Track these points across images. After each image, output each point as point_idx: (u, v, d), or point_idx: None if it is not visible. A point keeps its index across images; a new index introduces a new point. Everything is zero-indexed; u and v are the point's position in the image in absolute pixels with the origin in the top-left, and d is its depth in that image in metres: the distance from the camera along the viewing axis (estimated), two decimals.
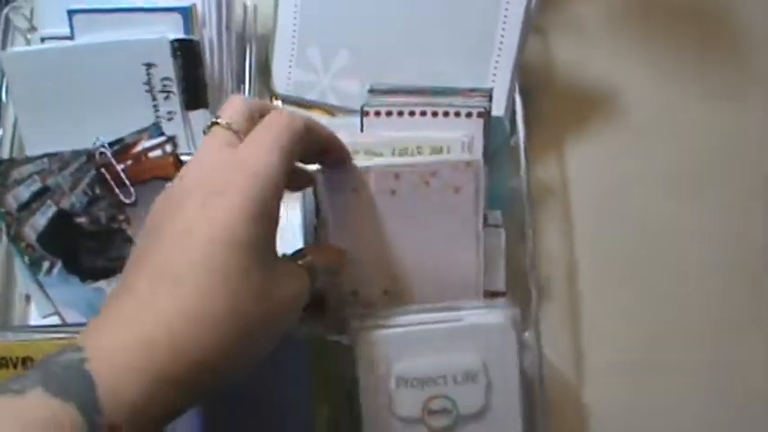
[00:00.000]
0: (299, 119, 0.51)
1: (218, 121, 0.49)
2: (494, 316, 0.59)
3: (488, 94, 0.64)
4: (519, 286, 0.66)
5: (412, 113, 0.62)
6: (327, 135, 0.54)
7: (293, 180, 0.55)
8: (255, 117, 0.51)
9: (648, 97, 0.78)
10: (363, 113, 0.62)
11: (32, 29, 0.76)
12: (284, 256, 0.54)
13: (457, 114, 0.61)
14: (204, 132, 0.50)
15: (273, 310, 0.46)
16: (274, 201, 0.47)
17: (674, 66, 0.79)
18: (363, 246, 0.60)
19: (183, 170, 0.49)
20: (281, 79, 0.76)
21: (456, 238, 0.60)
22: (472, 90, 0.64)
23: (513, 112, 0.70)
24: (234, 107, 0.50)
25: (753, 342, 0.71)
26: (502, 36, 0.69)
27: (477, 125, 0.61)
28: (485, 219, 0.61)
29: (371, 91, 0.65)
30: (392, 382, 0.58)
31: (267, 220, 0.46)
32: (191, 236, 0.44)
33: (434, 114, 0.62)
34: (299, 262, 0.52)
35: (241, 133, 0.49)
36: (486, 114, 0.61)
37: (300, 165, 0.56)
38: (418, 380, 0.58)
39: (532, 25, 0.69)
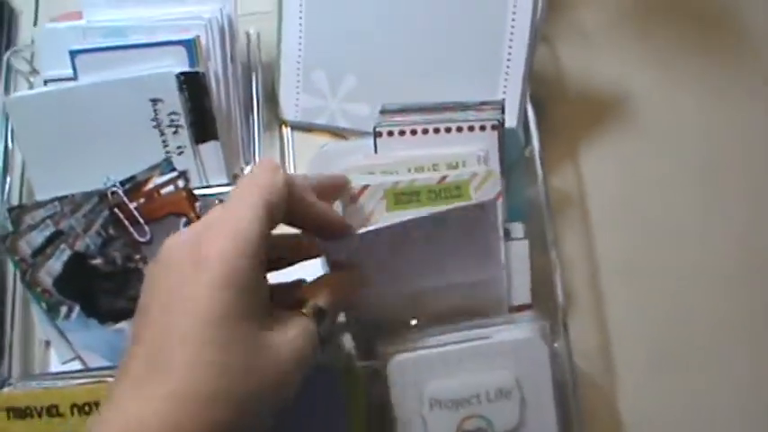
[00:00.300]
0: (280, 175, 0.48)
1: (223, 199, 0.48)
2: (522, 331, 0.58)
3: (501, 107, 0.63)
4: (543, 296, 0.64)
5: (425, 131, 0.61)
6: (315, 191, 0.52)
7: (291, 252, 0.54)
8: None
9: (658, 99, 0.77)
10: (376, 134, 0.61)
11: (34, 72, 0.76)
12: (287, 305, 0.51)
13: (471, 129, 0.61)
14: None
15: (269, 380, 0.44)
16: (255, 264, 0.45)
17: (681, 66, 0.78)
18: (380, 287, 0.58)
19: (166, 242, 0.47)
20: (289, 106, 0.76)
21: (474, 267, 0.59)
22: (484, 103, 0.64)
23: (527, 123, 0.69)
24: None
25: None
26: (510, 48, 0.68)
27: (491, 138, 0.61)
28: (507, 233, 0.60)
29: (383, 111, 0.64)
30: (425, 405, 0.57)
31: (249, 284, 0.44)
32: (173, 311, 0.43)
33: (448, 130, 0.61)
34: (303, 310, 0.49)
35: None
36: (499, 127, 0.60)
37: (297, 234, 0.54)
38: (451, 401, 0.57)
39: (540, 35, 0.69)
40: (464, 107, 0.63)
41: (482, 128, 0.60)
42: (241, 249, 0.44)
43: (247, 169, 0.72)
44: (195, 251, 0.44)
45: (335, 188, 0.57)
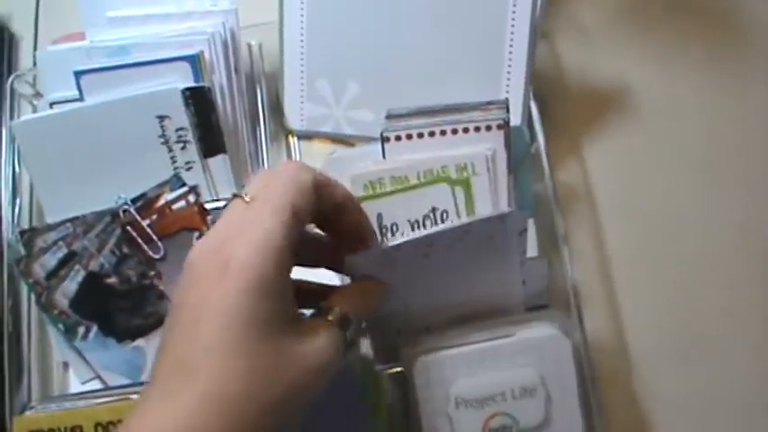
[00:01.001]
0: (309, 172, 0.48)
1: (239, 193, 0.48)
2: (544, 328, 0.58)
3: (505, 106, 0.63)
4: (555, 291, 0.65)
5: (432, 134, 0.61)
6: (342, 193, 0.52)
7: (313, 253, 0.53)
8: None
9: (658, 92, 0.78)
10: (384, 139, 0.61)
11: (38, 95, 0.76)
12: (312, 313, 0.51)
13: (477, 129, 0.61)
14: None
15: (298, 382, 0.44)
16: (282, 269, 0.45)
17: (681, 60, 0.79)
18: (399, 297, 0.58)
19: (194, 246, 0.47)
20: (294, 115, 0.76)
21: (496, 275, 0.59)
22: (489, 103, 0.64)
23: (531, 120, 0.70)
24: (258, 179, 0.48)
25: None
26: (510, 47, 0.68)
27: (497, 137, 0.61)
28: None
29: (389, 116, 0.65)
30: (451, 404, 0.57)
31: (275, 290, 0.44)
32: (198, 320, 0.43)
33: (454, 132, 0.61)
34: (329, 317, 0.49)
35: None
36: (505, 126, 0.61)
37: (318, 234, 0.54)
38: (477, 399, 0.57)
39: (540, 32, 0.69)
40: (470, 108, 0.63)
41: (488, 128, 0.61)
42: (266, 256, 0.43)
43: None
44: (219, 257, 0.44)
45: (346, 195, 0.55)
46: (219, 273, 0.43)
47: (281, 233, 0.44)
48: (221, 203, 0.70)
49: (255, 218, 0.45)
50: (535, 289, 0.62)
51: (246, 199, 0.46)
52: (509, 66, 0.69)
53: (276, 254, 0.44)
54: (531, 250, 0.63)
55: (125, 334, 0.68)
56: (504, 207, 0.60)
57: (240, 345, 0.42)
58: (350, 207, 0.52)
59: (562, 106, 0.77)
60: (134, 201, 0.67)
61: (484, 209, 0.59)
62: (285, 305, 0.46)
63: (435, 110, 0.64)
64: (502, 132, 0.61)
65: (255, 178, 0.49)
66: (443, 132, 0.61)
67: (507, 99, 0.65)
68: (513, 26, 0.68)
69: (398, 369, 0.61)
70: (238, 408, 0.41)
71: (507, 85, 0.69)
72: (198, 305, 0.43)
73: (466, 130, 0.61)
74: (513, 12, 0.68)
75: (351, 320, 0.50)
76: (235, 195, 0.48)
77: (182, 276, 0.46)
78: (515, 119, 0.68)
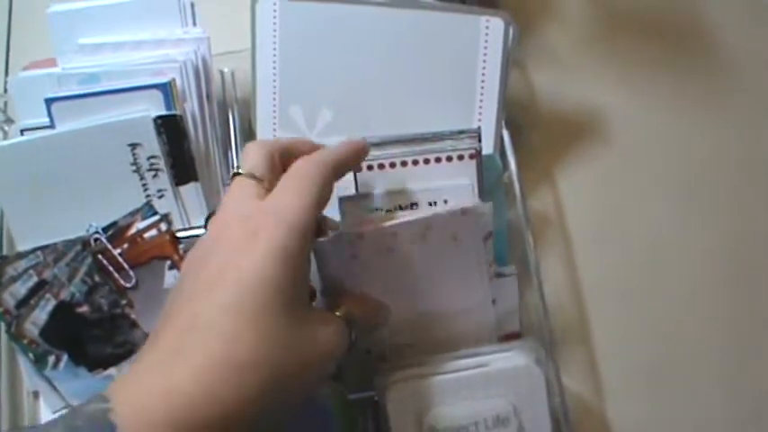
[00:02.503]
0: (327, 163, 0.50)
1: (240, 171, 0.49)
2: (519, 358, 0.58)
3: (477, 135, 0.63)
4: (528, 319, 0.66)
5: (404, 163, 0.61)
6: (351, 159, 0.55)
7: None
8: (276, 160, 0.51)
9: (630, 116, 0.78)
10: (356, 169, 0.62)
11: (9, 121, 0.75)
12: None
13: (449, 159, 0.61)
14: (226, 185, 0.50)
15: (305, 360, 0.46)
16: (304, 249, 0.47)
17: (652, 83, 0.80)
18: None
19: (211, 223, 0.48)
20: None
21: (462, 284, 0.60)
22: (461, 132, 0.64)
23: (503, 148, 0.70)
24: (253, 154, 0.50)
25: (763, 340, 0.71)
26: (483, 76, 0.69)
27: (470, 167, 0.61)
28: (499, 272, 0.61)
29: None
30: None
31: (298, 268, 0.46)
32: (221, 280, 0.44)
33: (426, 161, 0.61)
34: (337, 312, 0.52)
35: (265, 180, 0.49)
36: (477, 155, 0.61)
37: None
38: (450, 429, 0.57)
39: (512, 60, 0.70)
40: (442, 137, 0.63)
41: (460, 157, 0.61)
42: (295, 232, 0.46)
43: None
44: (250, 227, 0.46)
45: (357, 155, 0.57)
46: (248, 239, 0.45)
47: (306, 220, 0.47)
48: (194, 232, 0.70)
49: (284, 203, 0.47)
50: (505, 308, 0.62)
51: (245, 173, 0.49)
52: (481, 94, 0.69)
53: (303, 233, 0.46)
54: (512, 296, 0.63)
55: (97, 363, 0.67)
56: (483, 263, 0.60)
57: (261, 310, 0.43)
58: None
59: (535, 133, 0.77)
60: (105, 229, 0.67)
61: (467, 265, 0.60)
62: (305, 284, 0.48)
63: (408, 139, 0.64)
64: (474, 162, 0.61)
65: (251, 152, 0.51)
66: (416, 162, 0.61)
67: (479, 128, 0.65)
68: (485, 55, 0.68)
69: (372, 396, 0.61)
70: (247, 373, 0.42)
71: (480, 114, 0.70)
72: (221, 268, 0.45)
73: (438, 160, 0.61)
74: (486, 41, 0.68)
75: (356, 321, 0.52)
76: (235, 173, 0.50)
77: (199, 244, 0.48)
78: (488, 147, 0.69)
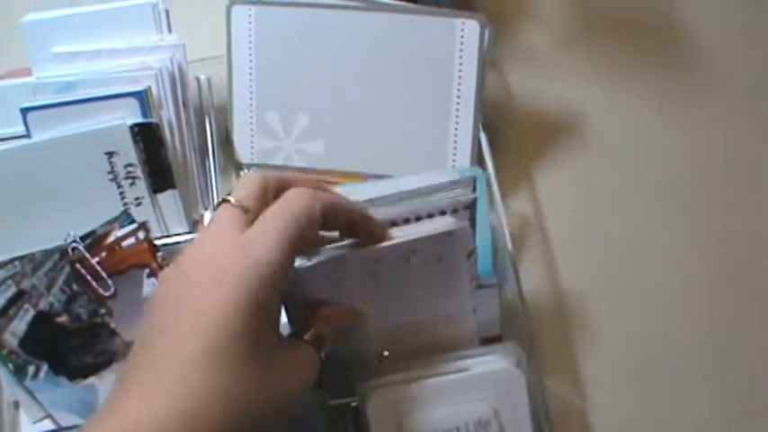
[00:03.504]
0: (318, 202, 0.48)
1: (228, 198, 0.48)
2: (500, 362, 0.58)
3: (472, 184, 0.61)
4: (509, 322, 0.65)
5: (396, 224, 0.60)
6: (356, 215, 0.52)
7: (347, 227, 0.53)
8: (270, 194, 0.49)
9: (608, 117, 0.79)
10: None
11: None
12: (289, 332, 0.53)
13: (443, 213, 0.60)
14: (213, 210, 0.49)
15: (277, 396, 0.46)
16: (274, 291, 0.46)
17: (629, 83, 0.80)
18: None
19: (187, 251, 0.47)
20: (245, 149, 0.76)
21: (445, 298, 0.59)
22: (455, 183, 0.62)
23: (480, 149, 0.70)
24: (247, 184, 0.49)
25: (746, 337, 0.71)
26: (459, 78, 0.69)
27: (463, 217, 0.60)
28: (479, 282, 0.60)
29: None
30: None
31: (266, 311, 0.45)
32: (184, 326, 0.43)
33: (418, 218, 0.59)
34: (306, 337, 0.51)
35: (251, 212, 0.48)
36: (472, 206, 0.60)
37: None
38: None
39: (489, 61, 0.70)
40: (435, 190, 0.61)
41: (455, 211, 0.60)
42: (262, 280, 0.44)
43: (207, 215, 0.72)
44: (214, 268, 0.45)
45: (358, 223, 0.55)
46: (213, 284, 0.44)
47: (280, 263, 0.45)
48: (172, 239, 0.70)
49: (257, 241, 0.46)
50: (486, 317, 0.62)
51: (232, 202, 0.48)
52: (458, 96, 0.69)
53: (271, 279, 0.45)
54: (492, 304, 0.63)
55: (77, 372, 0.67)
56: (465, 280, 0.60)
57: (228, 356, 0.43)
58: (359, 222, 0.53)
59: (512, 133, 0.77)
60: (83, 238, 0.67)
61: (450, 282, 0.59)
62: (271, 325, 0.47)
63: (402, 195, 0.62)
64: (468, 212, 0.60)
65: (245, 182, 0.49)
66: (407, 220, 0.60)
67: (475, 177, 0.63)
68: (461, 57, 0.68)
69: (352, 402, 0.61)
70: (217, 421, 0.42)
71: (457, 116, 0.70)
72: (186, 309, 0.44)
73: (431, 216, 0.60)
74: (461, 43, 0.68)
75: (325, 340, 0.51)
76: (223, 200, 0.48)
77: (171, 271, 0.47)
78: (465, 148, 0.69)
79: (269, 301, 0.45)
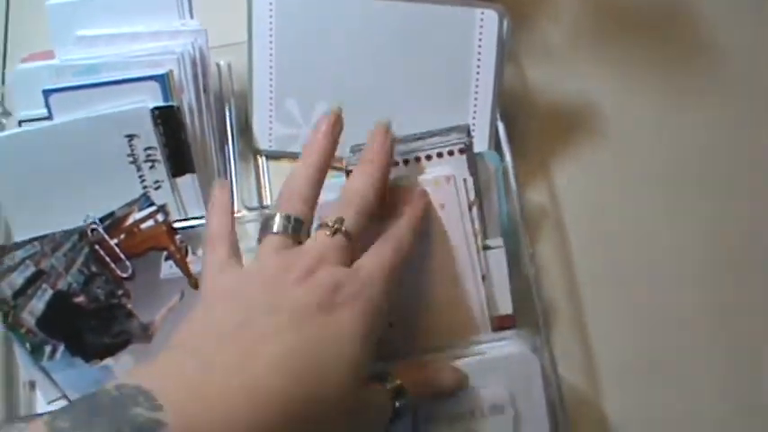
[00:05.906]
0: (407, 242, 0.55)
1: (332, 224, 0.52)
2: (515, 346, 0.59)
3: (466, 130, 0.63)
4: (523, 309, 0.65)
5: (396, 163, 0.62)
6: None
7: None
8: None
9: (624, 108, 0.79)
10: (348, 172, 0.62)
11: (6, 113, 0.75)
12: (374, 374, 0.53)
13: (439, 155, 0.61)
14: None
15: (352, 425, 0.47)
16: (378, 333, 0.49)
17: (645, 75, 0.80)
18: None
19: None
20: (263, 136, 0.76)
21: (451, 254, 0.60)
22: (450, 129, 0.64)
23: (498, 140, 0.71)
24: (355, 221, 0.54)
25: (763, 326, 0.71)
26: (478, 68, 0.69)
27: (460, 162, 0.61)
28: (485, 245, 0.61)
29: (353, 150, 0.64)
30: (420, 421, 0.57)
31: (373, 348, 0.48)
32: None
33: (417, 159, 0.62)
34: (388, 386, 0.52)
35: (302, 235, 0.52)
36: (467, 150, 0.61)
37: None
38: (446, 417, 0.57)
39: (506, 56, 0.70)
40: (431, 135, 0.63)
41: (450, 153, 0.61)
42: (373, 322, 0.48)
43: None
44: (329, 303, 0.47)
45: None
46: (325, 312, 0.46)
47: (383, 308, 0.50)
48: (190, 222, 0.70)
49: (365, 290, 0.49)
50: (496, 283, 0.62)
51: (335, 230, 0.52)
52: (476, 86, 0.70)
53: (379, 320, 0.50)
54: (501, 270, 0.63)
55: (93, 353, 0.67)
56: (469, 233, 0.61)
57: (340, 383, 0.45)
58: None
59: (529, 124, 0.77)
60: (102, 220, 0.67)
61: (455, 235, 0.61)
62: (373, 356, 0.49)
63: (398, 139, 0.64)
64: (464, 157, 0.61)
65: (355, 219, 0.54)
66: (407, 161, 0.62)
67: (468, 124, 0.65)
68: (480, 47, 0.69)
69: None
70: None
71: (475, 105, 0.70)
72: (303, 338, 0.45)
73: (429, 158, 0.61)
74: (480, 33, 0.68)
75: (405, 393, 0.52)
76: (326, 225, 0.52)
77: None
78: (483, 138, 0.70)
79: (376, 337, 0.49)
